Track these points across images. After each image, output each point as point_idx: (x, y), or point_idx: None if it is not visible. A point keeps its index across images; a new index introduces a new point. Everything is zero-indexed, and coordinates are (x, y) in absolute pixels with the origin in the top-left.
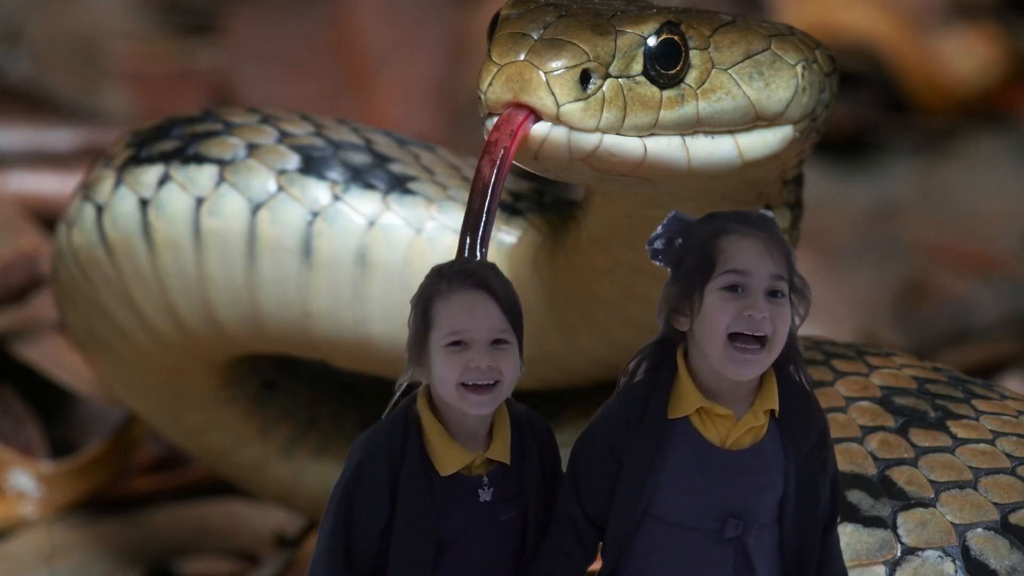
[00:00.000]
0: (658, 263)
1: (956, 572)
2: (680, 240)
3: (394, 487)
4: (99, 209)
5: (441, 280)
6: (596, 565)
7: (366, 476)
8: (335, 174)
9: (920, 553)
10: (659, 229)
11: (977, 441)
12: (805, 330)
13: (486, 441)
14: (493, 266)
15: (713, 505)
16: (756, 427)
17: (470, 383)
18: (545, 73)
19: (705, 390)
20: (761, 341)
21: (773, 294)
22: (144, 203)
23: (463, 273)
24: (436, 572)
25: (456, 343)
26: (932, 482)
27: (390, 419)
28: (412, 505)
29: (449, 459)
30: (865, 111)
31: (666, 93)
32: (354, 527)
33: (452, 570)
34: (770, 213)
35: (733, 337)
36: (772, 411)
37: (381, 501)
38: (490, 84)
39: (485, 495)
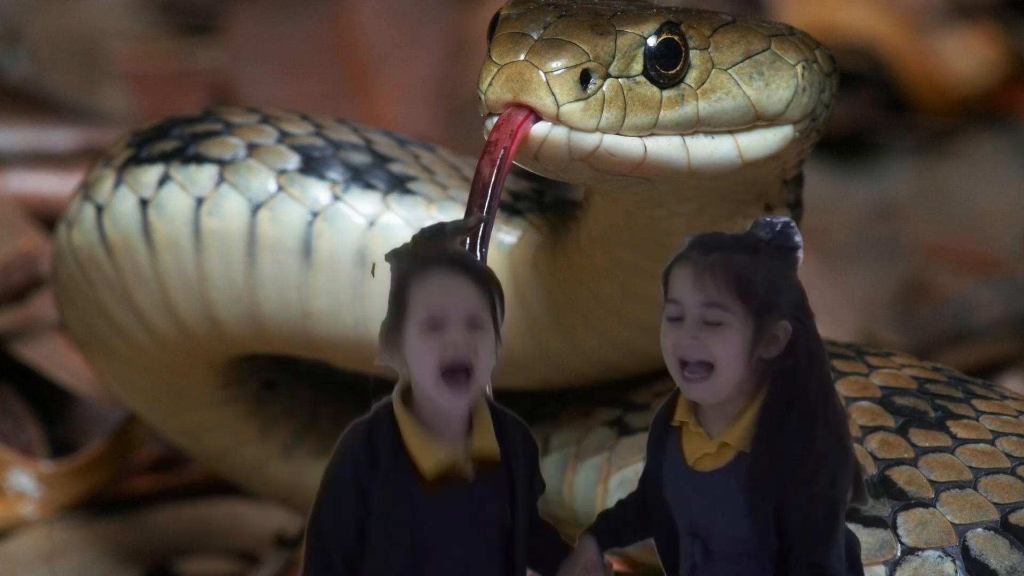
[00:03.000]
0: None
1: (956, 572)
2: None
3: (364, 493)
4: (99, 209)
5: (417, 261)
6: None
7: (334, 484)
8: (335, 174)
9: (920, 553)
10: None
11: (977, 441)
12: None
13: (466, 437)
14: (465, 249)
15: (680, 515)
16: (711, 454)
17: (447, 370)
18: (545, 73)
19: (693, 403)
20: (707, 367)
21: (708, 322)
22: (144, 203)
23: (440, 254)
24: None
25: (432, 326)
26: (932, 482)
27: (368, 419)
28: (387, 510)
29: (431, 459)
30: (865, 111)
31: (666, 93)
32: (330, 534)
33: (434, 573)
34: (764, 224)
35: (684, 363)
36: (740, 448)
37: (349, 510)
38: (490, 84)
39: (472, 494)
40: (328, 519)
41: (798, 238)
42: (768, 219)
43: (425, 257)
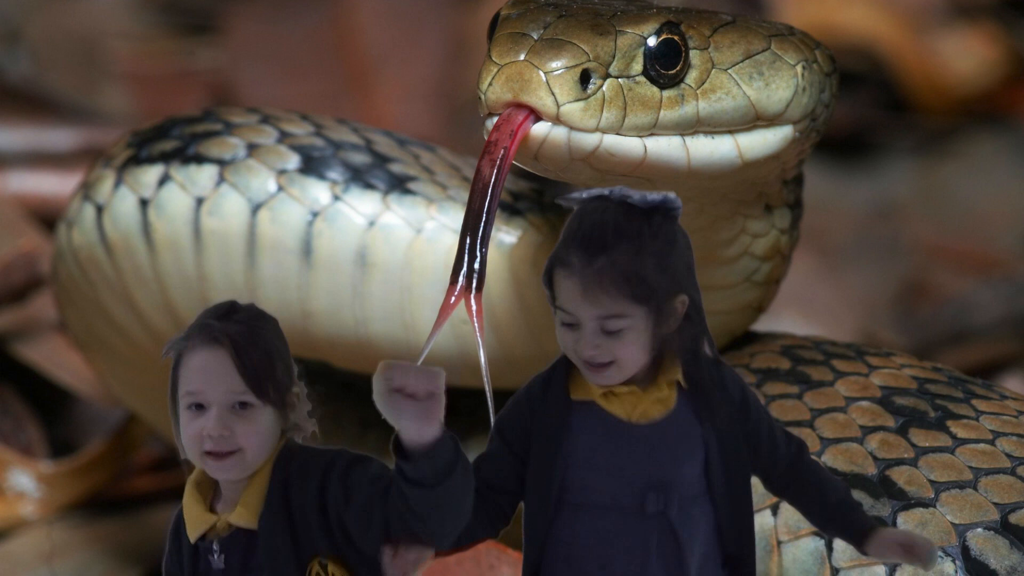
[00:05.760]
0: None
1: (956, 572)
2: None
3: (176, 547)
4: (99, 209)
5: (188, 333)
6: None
7: (168, 540)
8: (335, 174)
9: None
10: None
11: (977, 441)
12: (805, 330)
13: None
14: (253, 317)
15: (632, 480)
16: (662, 397)
17: (207, 451)
18: (545, 73)
19: None
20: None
21: (608, 330)
22: (144, 203)
23: (205, 328)
24: None
25: (196, 406)
26: (932, 482)
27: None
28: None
29: (190, 522)
30: (865, 111)
31: (666, 93)
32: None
33: None
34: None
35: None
36: (679, 384)
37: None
38: (490, 84)
39: (216, 562)
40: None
41: (679, 203)
42: (642, 194)
43: (191, 332)
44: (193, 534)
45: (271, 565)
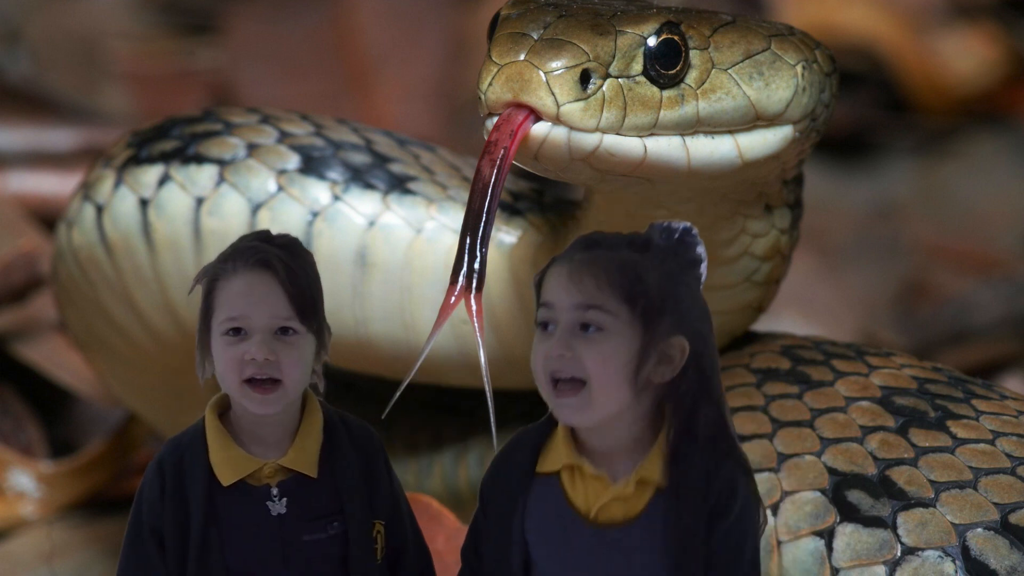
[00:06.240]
0: None
1: (956, 572)
2: None
3: (177, 499)
4: (99, 209)
5: (227, 257)
6: None
7: (147, 484)
8: (335, 174)
9: (920, 553)
10: None
11: (977, 441)
12: (805, 330)
13: (288, 448)
14: (293, 242)
15: None
16: (629, 500)
17: (248, 378)
18: (545, 73)
19: (581, 444)
20: (579, 383)
21: (585, 327)
22: (144, 203)
23: (249, 251)
24: None
25: (235, 331)
26: (932, 482)
27: (193, 424)
28: (195, 518)
29: (227, 465)
30: (865, 111)
31: (666, 93)
32: (143, 532)
33: None
34: (660, 227)
35: (556, 381)
36: (658, 485)
37: (158, 510)
38: (490, 84)
39: (277, 507)
40: (143, 522)
41: (700, 249)
42: (665, 223)
43: (232, 255)
44: (231, 476)
45: (357, 512)
